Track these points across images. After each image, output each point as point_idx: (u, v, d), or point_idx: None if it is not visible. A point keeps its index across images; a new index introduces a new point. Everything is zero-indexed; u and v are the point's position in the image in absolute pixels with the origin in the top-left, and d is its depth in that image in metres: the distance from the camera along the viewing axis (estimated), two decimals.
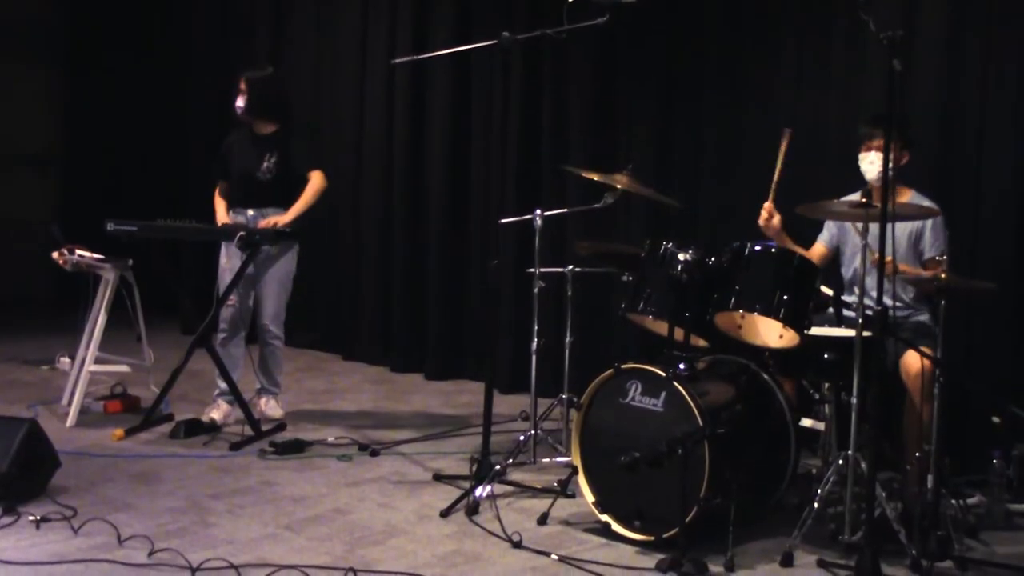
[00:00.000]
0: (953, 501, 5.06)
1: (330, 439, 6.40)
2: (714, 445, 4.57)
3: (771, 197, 5.46)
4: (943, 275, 4.80)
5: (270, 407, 6.88)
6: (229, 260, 6.63)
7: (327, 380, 8.40)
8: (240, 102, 6.70)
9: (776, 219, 5.50)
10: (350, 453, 6.15)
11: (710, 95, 7.18)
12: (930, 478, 4.80)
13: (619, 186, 5.81)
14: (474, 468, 5.37)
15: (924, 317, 5.49)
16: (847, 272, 5.67)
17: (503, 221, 6.10)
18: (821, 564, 4.60)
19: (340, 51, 9.35)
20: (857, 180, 5.42)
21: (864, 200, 4.66)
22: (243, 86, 6.70)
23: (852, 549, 4.60)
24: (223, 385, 6.59)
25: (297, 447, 6.14)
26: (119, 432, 6.31)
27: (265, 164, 6.62)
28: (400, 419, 7.13)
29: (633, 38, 7.36)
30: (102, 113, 11.76)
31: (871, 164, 5.35)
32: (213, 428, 6.49)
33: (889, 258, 4.51)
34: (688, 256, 5.02)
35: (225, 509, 5.14)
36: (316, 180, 6.70)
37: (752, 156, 6.90)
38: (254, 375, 6.86)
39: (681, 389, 4.69)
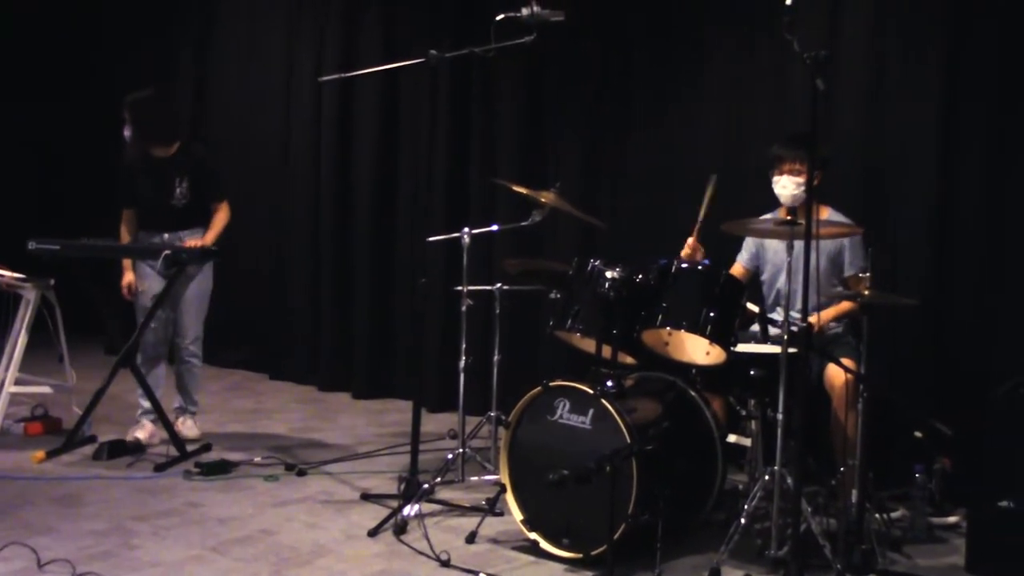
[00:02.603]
0: (877, 515, 5.13)
1: (257, 459, 6.34)
2: (642, 462, 4.58)
3: (695, 235, 5.50)
4: (865, 291, 4.86)
5: (187, 427, 6.82)
6: (145, 281, 6.55)
7: (254, 400, 8.34)
8: (126, 131, 6.56)
9: (700, 254, 5.54)
10: (277, 473, 6.10)
11: (638, 113, 7.24)
12: (854, 492, 4.85)
13: (547, 203, 5.83)
14: (402, 487, 5.35)
15: (847, 332, 5.56)
16: (769, 290, 5.72)
17: (431, 239, 6.10)
18: None
19: (267, 69, 9.30)
20: (775, 200, 5.50)
21: (789, 218, 4.71)
22: (126, 113, 6.54)
23: (778, 564, 4.64)
24: (147, 405, 6.51)
25: (223, 468, 6.08)
26: (40, 454, 6.21)
27: (178, 191, 6.52)
28: (328, 438, 7.08)
29: (561, 56, 7.39)
30: (23, 130, 11.57)
31: (783, 188, 5.41)
32: (137, 449, 6.40)
33: (814, 318, 4.56)
34: (615, 274, 5.04)
35: (150, 531, 5.07)
36: (224, 212, 6.65)
37: (680, 174, 6.96)
38: (173, 394, 6.79)
39: (609, 406, 4.70)
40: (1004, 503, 4.96)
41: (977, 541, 4.93)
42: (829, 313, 5.41)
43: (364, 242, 8.53)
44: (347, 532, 5.15)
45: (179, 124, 6.90)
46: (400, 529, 5.11)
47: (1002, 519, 4.89)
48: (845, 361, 5.00)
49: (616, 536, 4.52)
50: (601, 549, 4.58)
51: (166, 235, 6.60)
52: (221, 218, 6.63)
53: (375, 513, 5.35)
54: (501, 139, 7.82)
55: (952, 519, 5.52)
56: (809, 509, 4.69)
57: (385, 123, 8.41)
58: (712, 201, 5.41)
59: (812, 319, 4.42)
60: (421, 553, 4.84)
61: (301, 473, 6.12)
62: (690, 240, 5.51)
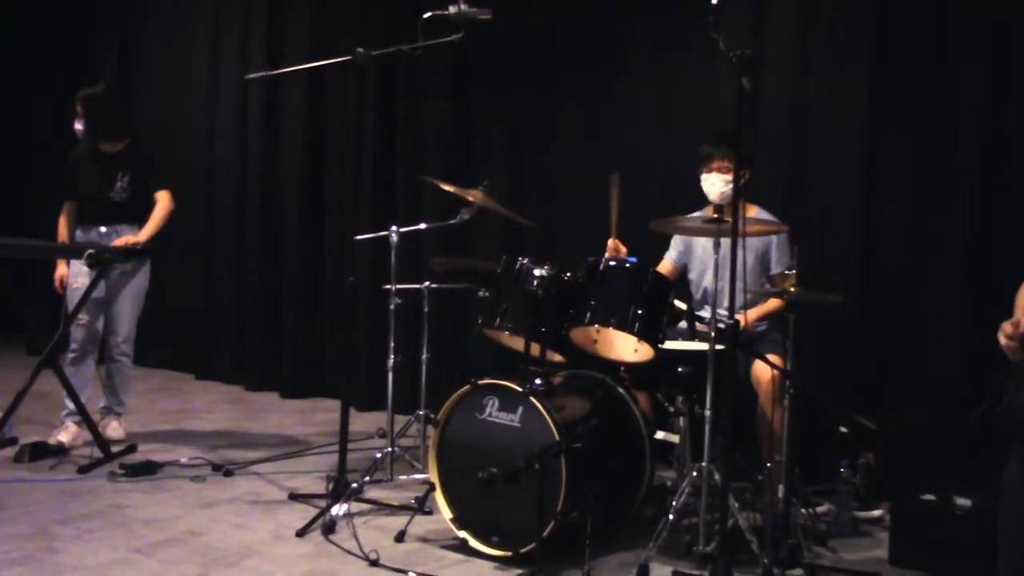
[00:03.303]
0: (803, 510, 5.19)
1: (183, 460, 6.28)
2: (571, 459, 4.59)
3: (613, 234, 5.50)
4: (791, 289, 4.91)
5: (112, 428, 6.73)
6: (77, 279, 6.46)
7: (180, 400, 8.26)
8: (78, 124, 6.55)
9: (623, 251, 5.56)
10: (204, 474, 6.04)
11: (565, 111, 7.26)
12: (781, 488, 4.90)
13: (475, 201, 5.83)
14: (330, 486, 5.31)
15: (774, 329, 5.61)
16: (697, 288, 5.76)
17: (359, 238, 6.09)
18: (676, 575, 4.65)
19: (191, 66, 9.22)
20: (705, 198, 5.54)
21: (716, 216, 4.74)
22: (79, 107, 6.55)
23: (706, 559, 4.67)
24: (71, 406, 6.41)
25: (148, 469, 6.01)
26: None
27: (119, 184, 6.48)
28: (255, 438, 7.03)
29: (489, 55, 7.39)
30: None
31: (712, 186, 5.45)
32: (61, 451, 6.30)
33: (740, 317, 4.60)
34: (544, 272, 5.05)
35: (73, 534, 4.99)
36: (165, 201, 6.59)
37: (608, 172, 6.96)
38: (101, 394, 6.71)
39: (538, 404, 4.71)
40: (926, 496, 5.05)
41: (900, 534, 5.00)
42: (755, 312, 5.46)
43: (291, 241, 8.48)
44: (275, 532, 5.11)
45: (131, 120, 6.85)
46: (328, 529, 5.08)
47: (924, 512, 4.97)
48: (771, 358, 5.04)
49: (545, 533, 4.53)
50: (530, 547, 4.59)
51: (103, 228, 6.53)
52: (159, 211, 6.55)
53: (303, 513, 5.32)
54: (429, 137, 7.81)
55: (876, 513, 5.59)
56: (736, 505, 4.74)
57: (312, 121, 8.38)
58: (619, 200, 5.43)
59: (739, 318, 4.45)
60: (350, 553, 4.82)
61: (228, 473, 6.06)
62: (609, 242, 5.52)
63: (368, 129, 7.95)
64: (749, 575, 4.62)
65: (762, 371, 5.23)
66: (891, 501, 5.37)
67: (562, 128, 7.27)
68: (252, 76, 6.98)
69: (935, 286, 5.84)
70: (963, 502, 4.93)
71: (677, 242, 5.84)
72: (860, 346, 6.07)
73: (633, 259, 5.30)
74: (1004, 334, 3.04)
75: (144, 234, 6.47)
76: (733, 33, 4.40)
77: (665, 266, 5.83)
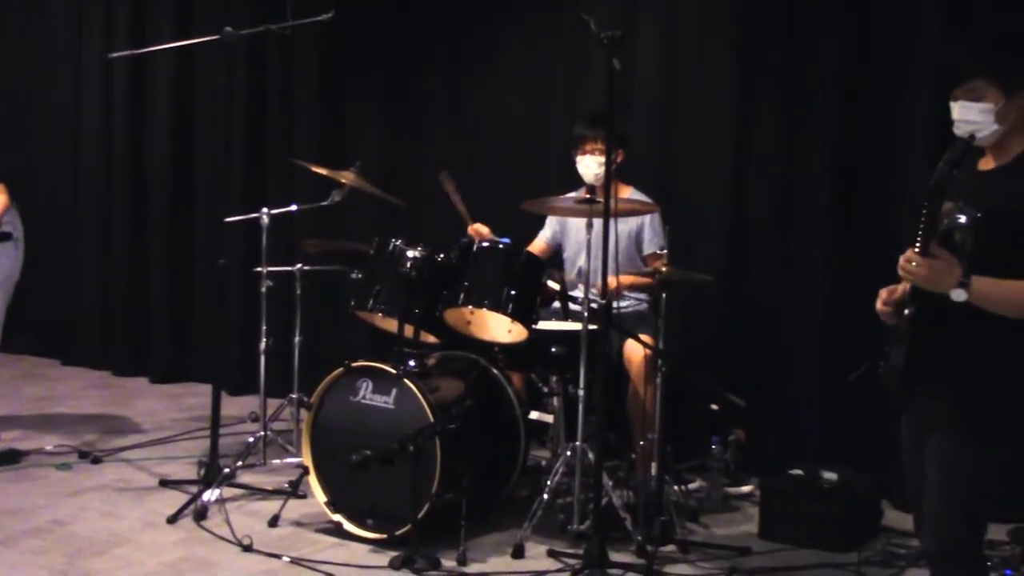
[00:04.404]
0: (675, 487, 5.26)
1: (48, 447, 6.14)
2: (445, 440, 4.59)
3: (469, 222, 5.54)
4: (663, 268, 4.96)
5: None
6: None
7: (45, 386, 8.06)
8: None
9: (485, 232, 5.57)
10: (70, 462, 5.91)
11: (438, 92, 7.24)
12: (653, 466, 4.96)
13: (346, 183, 5.79)
14: (202, 472, 5.25)
15: (646, 308, 5.67)
16: (570, 268, 5.79)
17: (229, 220, 6.00)
18: (551, 554, 4.68)
19: (53, 44, 8.96)
20: (580, 178, 5.56)
21: (588, 196, 4.77)
22: None
23: (581, 538, 4.71)
24: None
25: (11, 457, 5.87)
26: None
27: None
28: (124, 424, 6.90)
29: (360, 34, 7.33)
30: None
31: (586, 167, 5.47)
32: None
33: (612, 280, 4.64)
34: (417, 253, 5.03)
35: None
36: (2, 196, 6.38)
37: (480, 153, 7.00)
38: None
39: (412, 386, 4.70)
40: (794, 471, 5.16)
41: (769, 509, 5.10)
42: (628, 277, 5.46)
43: (160, 223, 8.32)
44: (145, 520, 5.03)
45: None
46: (200, 515, 5.01)
47: (792, 487, 5.07)
48: (643, 337, 5.09)
49: (420, 515, 4.53)
50: (405, 529, 4.58)
51: None
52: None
53: (174, 499, 5.23)
54: (300, 118, 7.72)
55: (746, 489, 5.69)
56: (610, 483, 4.78)
57: (180, 102, 8.21)
58: (458, 193, 5.43)
59: (611, 280, 4.48)
60: (222, 538, 4.76)
61: (96, 461, 5.95)
62: (470, 229, 5.54)
63: (238, 110, 7.83)
64: (623, 552, 4.67)
65: (634, 350, 5.28)
66: (760, 477, 5.49)
67: (435, 108, 7.24)
68: (116, 55, 6.82)
69: (801, 265, 5.94)
70: (829, 476, 5.05)
71: (552, 222, 5.85)
72: (730, 324, 6.15)
73: (506, 240, 5.31)
74: (881, 300, 3.18)
75: None
76: (603, 14, 4.41)
77: (539, 245, 5.84)
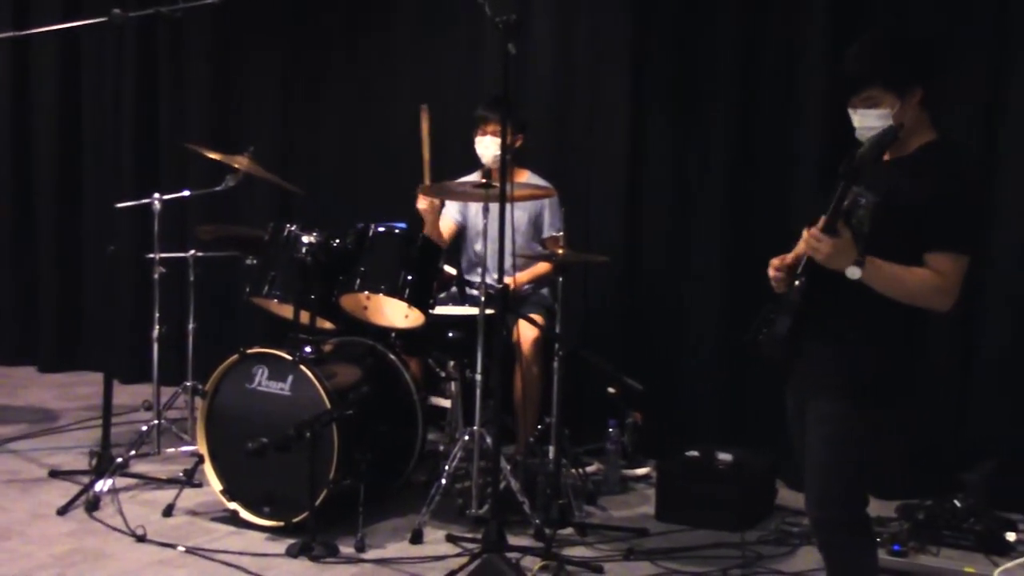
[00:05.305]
0: (573, 470, 5.28)
1: None
2: (342, 427, 4.57)
3: (426, 179, 5.24)
4: (560, 251, 4.98)
5: None
6: None
7: None
8: None
9: (437, 200, 5.48)
10: None
11: (333, 76, 7.20)
12: (551, 449, 4.98)
13: (240, 168, 5.72)
14: (94, 462, 5.16)
15: (544, 291, 5.69)
16: (469, 252, 5.78)
17: (119, 205, 5.90)
18: (450, 539, 4.69)
19: None
20: (478, 161, 5.56)
21: (485, 181, 4.76)
22: None
23: (479, 522, 4.72)
24: None
25: None
26: None
27: None
28: (12, 414, 6.76)
29: (253, 18, 7.26)
30: None
31: (486, 149, 5.47)
32: None
33: (510, 279, 4.63)
34: (312, 238, 4.99)
35: None
36: None
37: (376, 137, 6.96)
38: None
39: (308, 372, 4.67)
40: (690, 453, 5.21)
41: (666, 490, 5.15)
42: (524, 276, 5.50)
43: (47, 209, 8.13)
44: (34, 512, 4.94)
45: None
46: (92, 506, 4.93)
47: (688, 468, 5.13)
48: (535, 318, 5.10)
49: (317, 502, 4.51)
50: (303, 516, 4.56)
51: None
52: None
53: (65, 491, 5.14)
54: (192, 102, 7.61)
55: (643, 471, 5.75)
56: (508, 467, 4.80)
57: (67, 85, 8.03)
58: (431, 135, 5.29)
59: (508, 281, 4.49)
60: (115, 529, 4.70)
61: None
62: (423, 186, 5.25)
63: (127, 93, 7.69)
64: (521, 536, 4.69)
65: (529, 335, 5.29)
66: (657, 459, 5.54)
67: (330, 92, 7.19)
68: None
69: (697, 249, 6.00)
70: (724, 457, 5.12)
71: (452, 206, 5.82)
72: (627, 308, 6.20)
73: (402, 224, 5.28)
74: (773, 267, 3.30)
75: None
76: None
77: (447, 224, 5.78)
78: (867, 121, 3.19)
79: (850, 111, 3.24)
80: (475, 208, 5.66)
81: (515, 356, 5.32)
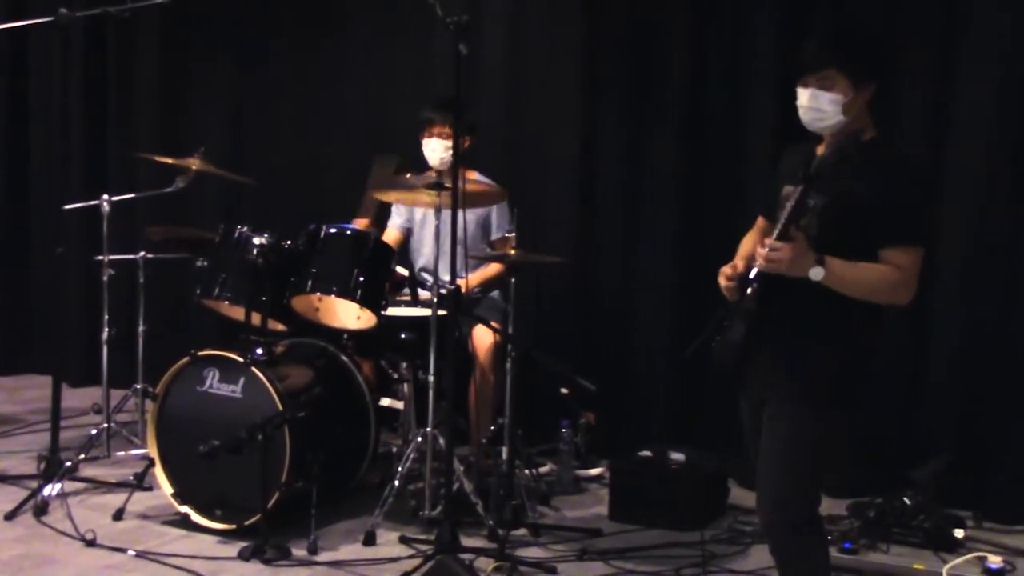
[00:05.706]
0: (527, 471, 5.29)
1: None
2: (294, 429, 4.55)
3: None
4: (511, 252, 4.98)
5: None
6: None
7: None
8: None
9: None
10: None
11: (283, 74, 7.17)
12: (504, 450, 4.98)
13: (190, 169, 5.68)
14: (42, 466, 5.12)
15: (495, 293, 5.69)
16: (419, 254, 5.76)
17: (67, 207, 5.85)
18: (403, 540, 4.68)
19: None
20: (426, 164, 5.55)
21: (438, 182, 4.75)
22: None
23: (433, 523, 4.71)
24: None
25: None
26: None
27: None
28: None
29: (203, 17, 7.21)
30: None
31: (432, 151, 5.44)
32: None
33: (462, 282, 4.63)
34: (263, 240, 4.96)
35: None
36: None
37: (327, 136, 6.93)
38: None
39: (259, 374, 4.65)
40: (643, 453, 5.23)
41: (619, 490, 5.17)
42: (475, 279, 5.50)
43: None
44: None
45: None
46: (40, 510, 4.89)
47: (641, 468, 5.15)
48: (494, 324, 5.11)
49: (270, 505, 4.50)
50: (255, 518, 4.54)
51: None
52: None
53: (12, 495, 5.08)
54: (141, 102, 7.56)
55: (596, 471, 5.76)
56: (461, 468, 4.79)
57: (12, 85, 7.96)
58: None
59: (460, 283, 4.49)
60: (64, 534, 4.65)
61: None
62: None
63: (75, 93, 7.63)
64: (475, 537, 4.69)
65: (483, 337, 5.29)
66: (610, 459, 5.55)
67: (281, 92, 7.17)
68: None
69: (647, 251, 6.02)
70: (677, 457, 5.14)
71: (401, 208, 5.81)
72: (579, 308, 6.21)
73: (354, 226, 5.27)
74: (724, 276, 3.29)
75: None
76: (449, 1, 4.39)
77: (392, 233, 5.78)
78: (817, 102, 3.17)
79: (800, 90, 3.22)
80: (424, 210, 5.63)
81: (471, 363, 5.33)
